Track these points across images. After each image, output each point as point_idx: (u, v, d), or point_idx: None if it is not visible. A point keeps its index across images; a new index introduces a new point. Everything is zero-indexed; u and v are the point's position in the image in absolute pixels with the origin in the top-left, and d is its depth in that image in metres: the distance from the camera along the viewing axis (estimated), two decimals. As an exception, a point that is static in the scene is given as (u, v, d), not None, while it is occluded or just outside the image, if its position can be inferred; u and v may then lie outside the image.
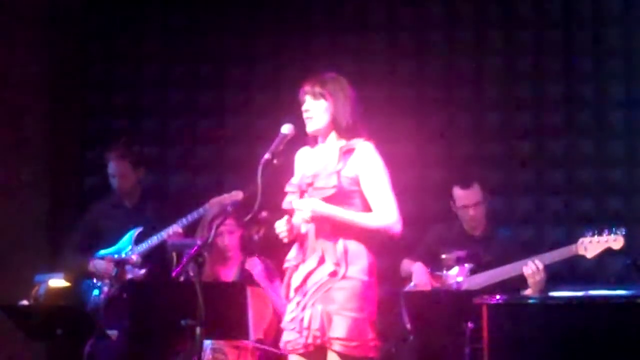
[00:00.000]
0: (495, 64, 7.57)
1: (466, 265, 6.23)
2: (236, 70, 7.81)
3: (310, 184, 5.01)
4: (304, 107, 5.06)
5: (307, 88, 5.07)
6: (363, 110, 5.17)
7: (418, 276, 6.47)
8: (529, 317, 4.98)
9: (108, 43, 7.99)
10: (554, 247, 6.36)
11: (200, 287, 4.74)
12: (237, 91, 7.79)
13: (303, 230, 5.02)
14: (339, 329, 4.88)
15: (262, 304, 6.15)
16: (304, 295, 4.97)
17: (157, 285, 5.87)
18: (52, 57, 7.85)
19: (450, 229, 6.70)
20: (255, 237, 6.10)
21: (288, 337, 5.02)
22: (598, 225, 6.27)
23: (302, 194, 5.03)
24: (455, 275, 6.29)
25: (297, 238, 5.06)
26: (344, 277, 4.92)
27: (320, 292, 4.93)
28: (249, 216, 4.88)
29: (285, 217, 4.95)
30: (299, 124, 5.07)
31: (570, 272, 6.97)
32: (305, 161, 5.16)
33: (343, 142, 5.05)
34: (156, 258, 6.56)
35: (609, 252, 6.19)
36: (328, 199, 4.93)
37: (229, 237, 6.46)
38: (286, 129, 5.02)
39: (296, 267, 5.04)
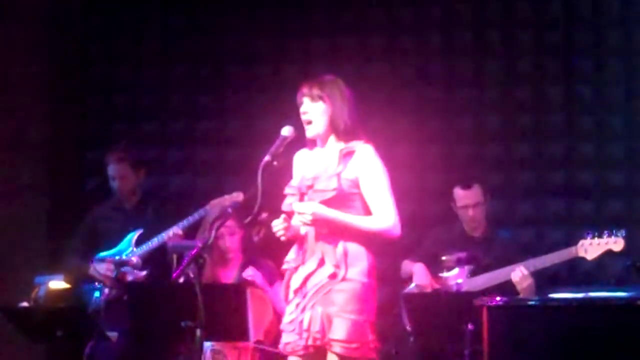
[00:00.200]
0: (495, 66, 7.56)
1: (466, 267, 6.24)
2: (236, 72, 7.81)
3: (310, 187, 5.01)
4: (302, 110, 5.06)
5: (305, 90, 5.07)
6: (362, 111, 5.18)
7: (419, 277, 6.47)
8: (529, 318, 4.98)
9: (108, 44, 7.99)
10: (554, 249, 6.36)
11: (200, 289, 4.74)
12: (237, 93, 7.79)
13: (302, 232, 5.02)
14: (339, 330, 4.88)
15: (262, 305, 6.16)
16: (304, 297, 4.97)
17: (157, 287, 5.86)
18: (52, 58, 7.85)
19: (450, 230, 6.70)
20: (256, 238, 6.10)
21: (287, 338, 5.02)
22: (598, 227, 6.26)
23: (301, 196, 5.03)
24: (455, 277, 6.29)
25: (297, 240, 5.06)
26: (343, 279, 4.93)
27: (320, 294, 4.93)
28: (249, 218, 4.88)
29: (283, 216, 4.95)
30: (299, 126, 5.07)
31: (571, 274, 6.97)
32: (304, 163, 5.15)
33: (342, 145, 5.05)
34: (157, 260, 6.56)
35: (609, 253, 6.20)
36: (328, 202, 4.93)
37: (229, 239, 6.47)
38: (286, 131, 5.02)
39: (295, 269, 5.04)
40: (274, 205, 5.01)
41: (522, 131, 7.47)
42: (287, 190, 5.08)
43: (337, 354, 4.88)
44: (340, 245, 4.95)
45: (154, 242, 6.63)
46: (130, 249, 6.68)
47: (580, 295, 5.23)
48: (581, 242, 6.19)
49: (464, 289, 6.19)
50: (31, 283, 6.39)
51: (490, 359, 4.91)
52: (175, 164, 7.80)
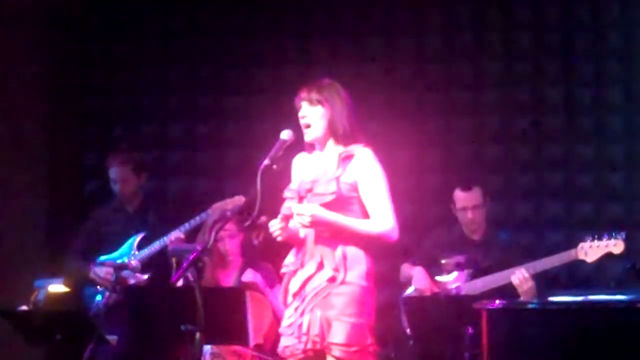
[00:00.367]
0: (494, 67, 7.56)
1: (465, 270, 6.23)
2: (235, 75, 7.81)
3: (309, 190, 5.01)
4: (300, 114, 5.06)
5: (303, 94, 5.07)
6: (361, 114, 5.18)
7: (418, 280, 6.47)
8: (528, 322, 4.98)
9: (108, 46, 7.99)
10: (553, 251, 6.36)
11: (199, 292, 4.74)
12: (237, 95, 7.79)
13: (302, 235, 5.02)
14: (338, 334, 4.88)
15: (261, 308, 6.15)
16: (302, 300, 4.97)
17: (157, 290, 5.86)
18: (52, 59, 7.84)
19: (449, 233, 6.70)
20: (255, 241, 6.10)
21: (286, 342, 5.02)
22: (598, 229, 6.26)
23: (300, 199, 5.03)
24: (455, 280, 6.29)
25: (295, 243, 5.06)
26: (342, 282, 4.92)
27: (318, 298, 4.93)
28: (249, 221, 4.88)
29: (280, 216, 4.94)
30: (298, 129, 5.07)
31: (570, 276, 6.97)
32: (303, 167, 5.15)
33: (341, 148, 5.05)
34: (159, 264, 6.55)
35: (608, 256, 6.19)
36: (327, 205, 4.93)
37: (229, 242, 6.46)
38: (285, 134, 5.02)
39: (294, 272, 5.04)
40: (273, 209, 5.01)
41: (522, 133, 7.47)
42: (286, 194, 5.08)
43: (337, 358, 4.88)
44: (339, 249, 4.95)
45: (156, 245, 6.61)
46: (132, 252, 6.67)
47: (580, 298, 5.23)
48: (581, 244, 6.18)
49: (464, 292, 6.19)
50: (30, 286, 6.38)
51: (490, 363, 4.91)
52: (174, 166, 7.80)
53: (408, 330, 5.93)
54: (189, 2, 7.92)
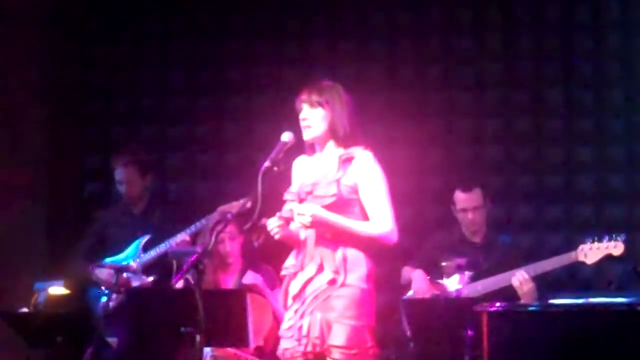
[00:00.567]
0: (494, 69, 7.56)
1: (466, 272, 6.23)
2: (236, 76, 7.80)
3: (309, 192, 5.02)
4: (301, 116, 5.06)
5: (304, 96, 5.07)
6: (362, 116, 5.18)
7: (418, 283, 6.47)
8: (528, 324, 4.98)
9: (108, 47, 7.98)
10: (553, 254, 6.35)
11: (200, 295, 4.74)
12: (237, 97, 7.78)
13: (302, 237, 5.02)
14: (338, 336, 4.89)
15: (262, 311, 6.15)
16: (302, 303, 4.97)
17: (157, 292, 5.86)
18: (52, 61, 7.83)
19: (450, 235, 6.69)
20: (256, 244, 6.10)
21: (286, 344, 5.03)
22: (598, 232, 6.26)
23: (300, 202, 5.03)
24: (455, 283, 6.28)
25: (295, 245, 5.06)
26: (342, 284, 4.93)
27: (318, 300, 4.93)
28: (249, 223, 4.88)
29: (277, 214, 4.94)
30: (298, 131, 5.07)
31: (570, 278, 6.97)
32: (303, 169, 5.16)
33: (341, 150, 5.05)
34: (164, 266, 6.51)
35: (609, 258, 6.19)
36: (327, 207, 4.93)
37: (230, 243, 6.46)
38: (286, 136, 5.02)
39: (294, 274, 5.04)
40: (273, 211, 5.00)
41: (522, 135, 7.47)
42: (286, 196, 5.09)
43: (336, 360, 4.89)
44: (340, 251, 4.95)
45: (162, 248, 6.59)
46: (137, 254, 6.65)
47: (580, 300, 5.22)
48: (581, 246, 6.18)
49: (464, 294, 6.18)
50: (31, 288, 6.38)
51: (490, 365, 4.91)
52: (174, 168, 7.79)
53: (408, 333, 5.92)
54: (189, 3, 7.91)
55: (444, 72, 7.60)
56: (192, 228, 6.55)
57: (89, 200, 7.71)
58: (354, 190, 4.99)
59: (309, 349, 4.92)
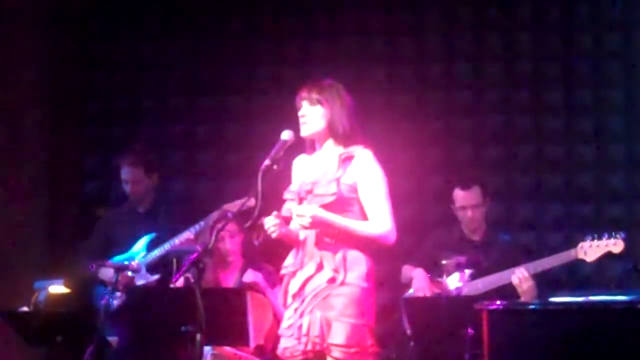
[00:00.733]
0: (494, 68, 7.56)
1: (466, 271, 6.22)
2: (236, 76, 7.80)
3: (309, 191, 5.01)
4: (300, 113, 5.07)
5: (303, 94, 5.07)
6: (362, 115, 5.17)
7: (418, 282, 6.46)
8: (529, 322, 4.96)
9: (108, 47, 7.98)
10: (553, 252, 6.35)
11: (200, 293, 4.74)
12: (237, 97, 7.79)
13: (301, 237, 5.02)
14: (338, 335, 4.88)
15: (262, 309, 6.15)
16: (302, 301, 4.97)
17: (157, 291, 5.86)
18: (52, 60, 7.84)
19: (450, 233, 6.69)
20: (256, 242, 6.09)
21: (286, 343, 5.02)
22: (598, 230, 6.25)
23: (300, 201, 5.03)
24: (456, 281, 6.28)
25: (294, 244, 5.06)
26: (342, 283, 4.93)
27: (318, 299, 4.93)
28: (249, 222, 4.87)
29: (274, 213, 4.93)
30: (298, 129, 5.07)
31: (570, 277, 6.97)
32: (303, 168, 5.15)
33: (341, 149, 5.05)
34: (168, 264, 6.49)
35: (608, 256, 6.19)
36: (327, 206, 4.93)
37: (230, 242, 6.47)
38: (286, 135, 5.02)
39: (293, 273, 5.04)
40: (274, 209, 5.00)
41: (522, 134, 7.47)
42: (286, 195, 5.08)
43: (336, 359, 4.88)
44: (339, 250, 4.95)
45: (166, 246, 6.58)
46: (142, 253, 6.64)
47: (580, 298, 5.21)
48: (581, 244, 6.18)
49: (464, 293, 6.18)
50: (31, 287, 6.38)
51: (491, 363, 4.90)
52: (175, 168, 7.79)
53: (409, 331, 5.92)
54: (189, 3, 7.92)
55: (444, 71, 7.60)
56: (197, 227, 6.53)
57: (88, 199, 7.71)
58: (354, 189, 4.99)
59: (309, 347, 4.92)
